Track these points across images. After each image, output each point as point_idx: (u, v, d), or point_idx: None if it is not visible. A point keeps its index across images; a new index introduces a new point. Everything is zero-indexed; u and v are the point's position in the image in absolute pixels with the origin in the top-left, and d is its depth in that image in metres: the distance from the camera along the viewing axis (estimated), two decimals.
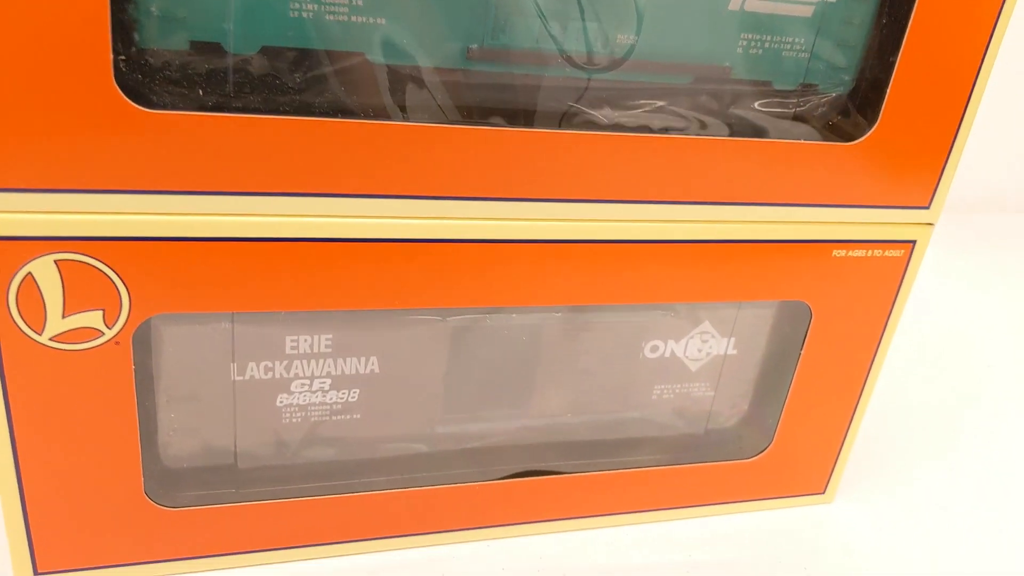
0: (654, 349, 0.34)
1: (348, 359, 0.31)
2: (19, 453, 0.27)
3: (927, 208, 0.32)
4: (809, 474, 0.38)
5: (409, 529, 0.34)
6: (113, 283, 0.25)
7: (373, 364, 0.31)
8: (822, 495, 0.39)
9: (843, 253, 0.32)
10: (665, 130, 0.29)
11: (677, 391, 0.35)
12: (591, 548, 0.35)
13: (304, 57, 0.25)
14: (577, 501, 0.35)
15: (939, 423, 0.48)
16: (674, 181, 0.29)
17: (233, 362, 0.29)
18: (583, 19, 0.27)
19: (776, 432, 0.36)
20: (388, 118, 0.26)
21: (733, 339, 0.35)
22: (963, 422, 0.48)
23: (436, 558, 0.34)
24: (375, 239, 0.27)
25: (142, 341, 0.28)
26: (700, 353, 0.35)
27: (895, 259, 0.33)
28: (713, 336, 0.34)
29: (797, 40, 0.29)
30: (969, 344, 0.59)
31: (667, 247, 0.30)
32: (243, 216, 0.26)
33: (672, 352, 0.34)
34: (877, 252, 0.32)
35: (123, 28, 0.23)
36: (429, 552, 0.34)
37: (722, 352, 0.35)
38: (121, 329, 0.26)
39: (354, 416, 0.32)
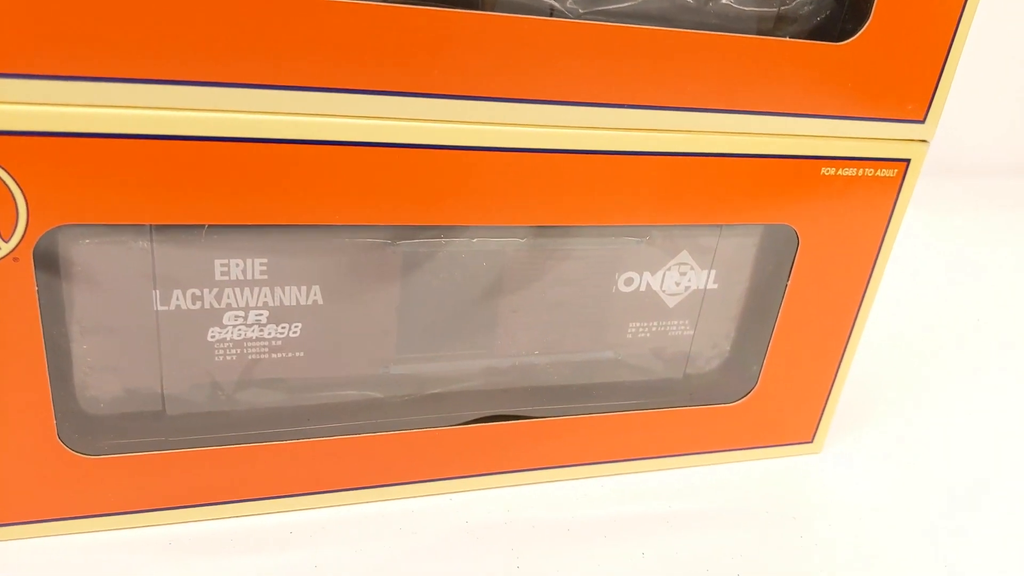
0: (628, 282, 0.31)
1: (287, 288, 0.28)
2: None
3: (922, 123, 0.29)
4: (796, 422, 0.35)
5: (362, 481, 0.30)
6: (7, 187, 0.22)
7: (315, 294, 0.28)
8: (810, 444, 0.36)
9: (832, 171, 0.29)
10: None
11: (654, 329, 0.33)
12: (564, 500, 0.32)
13: None
14: (548, 450, 0.32)
15: (931, 370, 0.45)
16: (645, 81, 0.26)
17: (155, 289, 0.26)
18: None
19: (760, 375, 0.33)
20: None
21: (714, 272, 0.32)
22: (956, 370, 0.46)
23: (393, 513, 0.31)
24: (313, 140, 0.24)
25: (47, 259, 0.24)
26: (678, 287, 0.32)
27: (887, 180, 0.30)
28: (692, 268, 0.32)
29: None
30: (961, 296, 0.57)
31: (638, 160, 0.27)
32: (160, 110, 0.22)
33: (648, 285, 0.31)
34: (868, 171, 0.30)
35: None
36: (384, 507, 0.31)
37: (702, 286, 0.32)
38: (19, 243, 0.23)
39: (296, 354, 0.29)
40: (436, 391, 0.31)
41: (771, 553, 0.31)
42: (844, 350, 0.34)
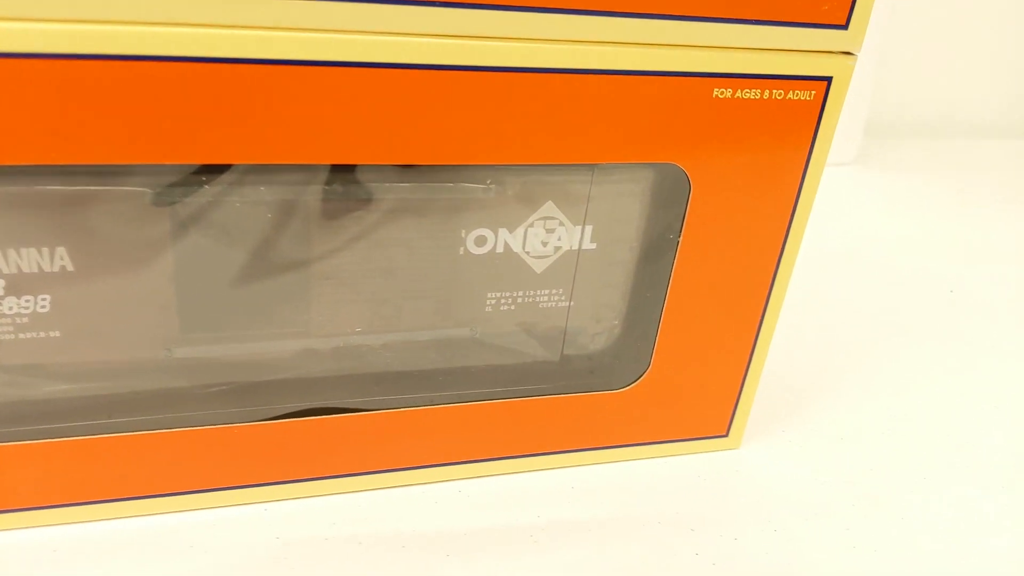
0: (480, 241, 0.25)
1: (23, 250, 0.22)
2: None
3: (844, 28, 0.23)
4: (704, 411, 0.29)
5: (144, 489, 0.24)
6: None
7: (62, 258, 0.22)
8: (725, 438, 0.30)
9: (727, 93, 0.23)
10: None
11: (519, 301, 0.26)
12: (405, 510, 0.26)
13: None
14: (387, 449, 0.26)
15: (881, 352, 0.39)
16: None
17: None
18: None
19: (653, 354, 0.27)
20: None
21: (589, 228, 0.26)
22: (905, 352, 0.40)
23: (184, 527, 0.25)
24: (24, 54, 0.18)
25: None
26: (546, 247, 0.26)
27: (803, 104, 0.24)
28: (560, 223, 0.25)
29: None
30: (915, 266, 0.51)
31: (472, 78, 0.21)
32: None
33: (506, 245, 0.25)
34: (777, 93, 0.23)
35: None
36: (173, 520, 0.25)
37: (575, 246, 0.26)
38: None
39: (51, 334, 0.23)
40: (239, 379, 0.25)
41: None
42: (760, 323, 0.28)
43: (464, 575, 0.24)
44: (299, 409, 0.25)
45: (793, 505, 0.28)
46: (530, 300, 0.27)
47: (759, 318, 0.28)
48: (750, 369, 0.29)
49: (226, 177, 0.22)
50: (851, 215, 0.60)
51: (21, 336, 0.23)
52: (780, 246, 0.26)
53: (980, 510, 0.29)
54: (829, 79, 0.23)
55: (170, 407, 0.24)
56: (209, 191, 0.22)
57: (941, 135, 0.84)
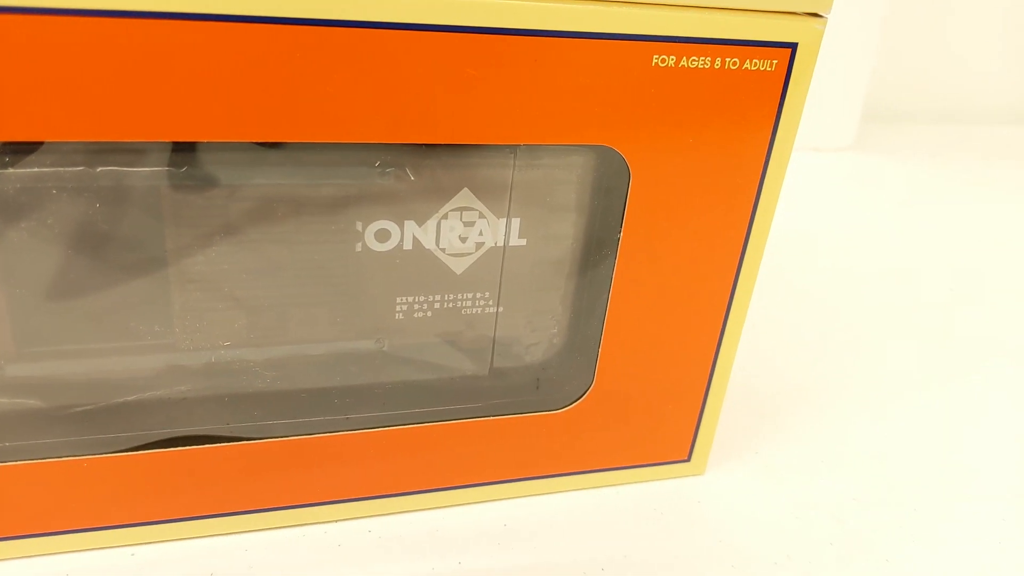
0: (382, 236, 0.21)
1: None
2: None
3: None
4: (661, 431, 0.25)
5: None
6: None
7: None
8: (686, 463, 0.26)
9: (669, 61, 0.19)
10: None
11: (437, 307, 0.22)
12: (304, 554, 0.22)
13: None
14: (277, 484, 0.22)
15: (860, 360, 0.35)
16: None
17: None
18: None
19: (597, 367, 0.23)
20: None
21: (517, 220, 0.22)
22: (890, 359, 0.36)
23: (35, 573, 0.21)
24: None
25: None
26: (465, 244, 0.22)
27: (763, 76, 0.20)
28: (481, 216, 0.21)
29: None
30: (894, 260, 0.47)
31: (353, 34, 0.17)
32: None
33: (415, 241, 0.21)
34: (731, 62, 0.19)
35: None
36: (21, 568, 0.21)
37: (501, 242, 0.22)
38: None
39: None
40: (90, 402, 0.21)
41: None
42: (723, 330, 0.24)
43: None
44: (165, 437, 0.21)
45: (763, 544, 0.24)
46: (450, 305, 0.23)
47: (721, 324, 0.24)
48: (713, 382, 0.25)
49: (46, 158, 0.18)
50: (847, 203, 0.56)
51: None
52: (742, 243, 0.22)
53: (981, 552, 0.25)
54: (794, 46, 0.19)
55: (7, 435, 0.20)
56: (23, 175, 0.18)
57: (944, 120, 0.81)
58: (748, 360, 0.34)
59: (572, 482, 0.25)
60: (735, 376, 0.31)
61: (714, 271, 0.22)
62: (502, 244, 0.22)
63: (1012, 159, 0.70)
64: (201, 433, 0.21)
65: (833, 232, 0.50)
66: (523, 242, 0.22)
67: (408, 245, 0.21)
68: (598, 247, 0.22)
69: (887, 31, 0.68)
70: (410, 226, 0.21)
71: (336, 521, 0.23)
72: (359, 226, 0.21)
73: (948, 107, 0.82)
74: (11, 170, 0.18)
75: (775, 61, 0.20)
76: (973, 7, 0.77)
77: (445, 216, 0.21)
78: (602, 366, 0.23)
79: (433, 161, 0.20)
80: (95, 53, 0.16)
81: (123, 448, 0.21)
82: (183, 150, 0.19)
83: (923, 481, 0.28)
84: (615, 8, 0.18)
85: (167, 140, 0.17)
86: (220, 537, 0.22)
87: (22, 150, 0.17)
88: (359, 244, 0.21)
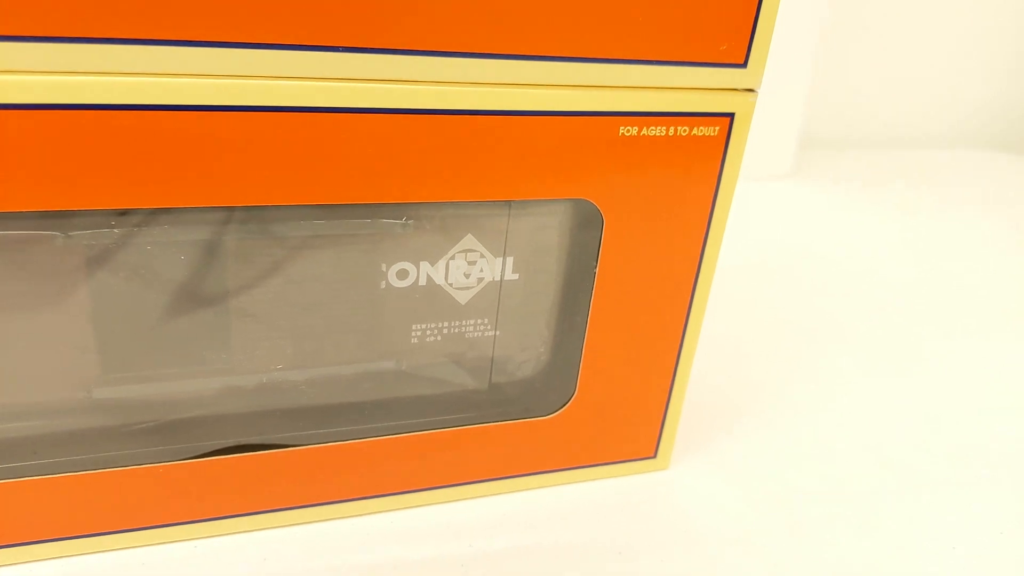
0: (402, 275, 0.25)
1: None
2: None
3: (743, 67, 0.24)
4: (631, 433, 0.30)
5: (71, 531, 0.24)
6: None
7: None
8: (653, 459, 0.31)
9: (633, 131, 0.24)
10: None
11: (445, 332, 0.27)
12: (336, 543, 0.26)
13: None
14: (315, 483, 0.26)
15: (811, 366, 0.41)
16: (387, 20, 0.20)
17: None
18: None
19: (578, 379, 0.28)
20: None
21: (511, 259, 0.26)
22: (837, 364, 0.41)
23: (115, 568, 0.25)
24: None
25: None
26: (468, 279, 0.26)
27: (708, 140, 0.25)
28: (482, 256, 0.26)
29: None
30: (839, 282, 0.53)
31: (383, 121, 0.21)
32: None
33: (428, 278, 0.26)
34: (682, 130, 0.24)
35: None
36: (104, 560, 0.25)
37: (498, 277, 0.26)
38: None
39: None
40: (163, 418, 0.25)
41: None
42: (680, 347, 0.28)
43: None
44: (224, 446, 0.25)
45: (722, 530, 0.29)
46: (456, 331, 0.27)
47: (679, 339, 0.28)
48: (674, 389, 0.30)
49: (138, 219, 0.22)
50: (787, 228, 0.62)
51: None
52: (694, 272, 0.27)
53: (927, 539, 0.30)
54: (732, 115, 0.24)
55: (91, 447, 0.24)
56: (121, 233, 0.22)
57: (876, 146, 0.87)
58: (705, 370, 0.38)
59: (558, 477, 0.30)
60: (694, 383, 0.35)
61: (673, 295, 0.27)
62: (499, 278, 0.26)
63: (943, 183, 0.77)
64: (254, 442, 0.25)
65: (775, 255, 0.56)
66: (516, 276, 0.27)
67: (423, 281, 0.26)
68: (578, 279, 0.27)
69: (822, 61, 0.74)
70: (424, 266, 0.25)
71: (365, 515, 0.27)
72: (383, 267, 0.25)
73: (883, 133, 0.88)
74: (116, 230, 0.22)
75: (717, 128, 0.25)
76: (905, 36, 0.83)
77: (453, 257, 0.26)
78: (582, 378, 0.28)
79: (444, 213, 0.25)
80: (193, 144, 0.20)
81: (188, 456, 0.25)
82: (244, 211, 0.23)
83: (874, 475, 0.33)
84: (590, 91, 0.23)
85: (235, 204, 0.22)
86: (269, 531, 0.26)
87: (126, 213, 0.22)
88: (383, 282, 0.25)
